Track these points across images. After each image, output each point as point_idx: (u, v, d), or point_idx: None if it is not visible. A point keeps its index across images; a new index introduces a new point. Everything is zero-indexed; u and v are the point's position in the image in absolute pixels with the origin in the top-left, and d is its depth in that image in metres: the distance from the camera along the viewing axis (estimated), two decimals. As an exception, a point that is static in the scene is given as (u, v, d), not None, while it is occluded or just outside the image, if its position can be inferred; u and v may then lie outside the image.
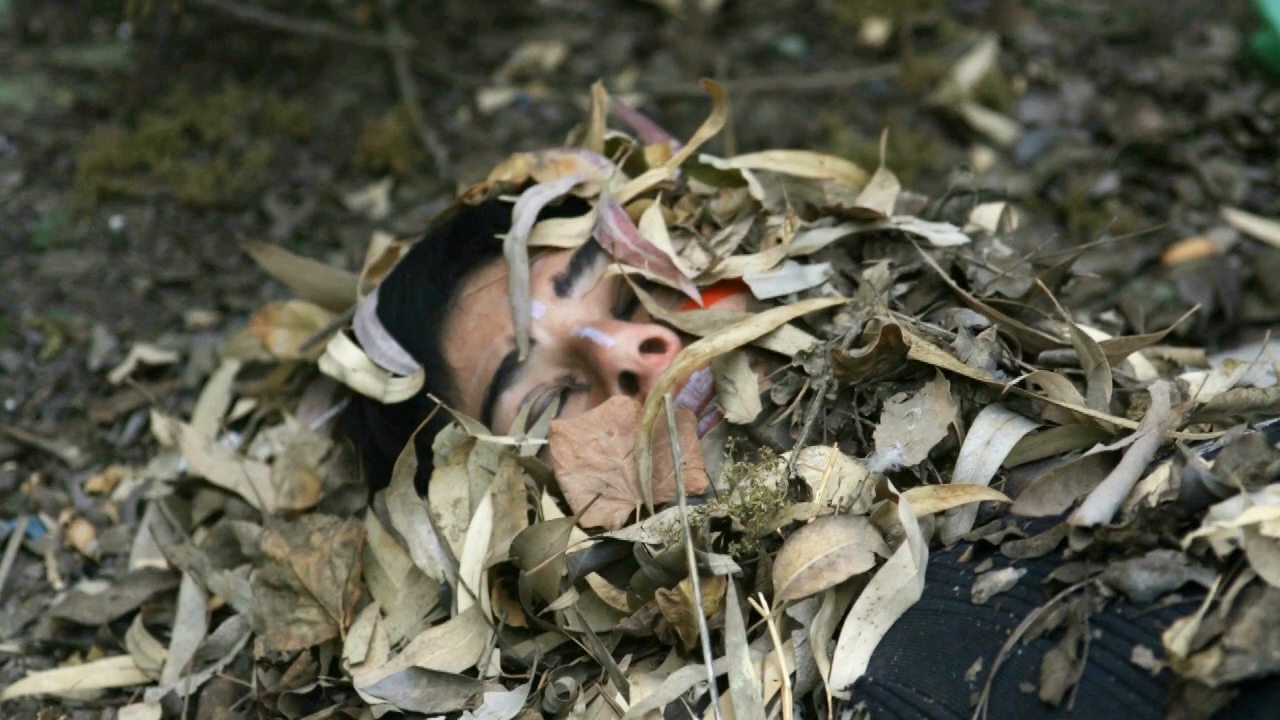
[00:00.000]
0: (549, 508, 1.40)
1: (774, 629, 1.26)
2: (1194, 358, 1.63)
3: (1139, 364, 1.54)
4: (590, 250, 1.52)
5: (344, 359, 1.57)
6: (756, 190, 1.59)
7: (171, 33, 2.65)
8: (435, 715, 1.37)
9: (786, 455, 1.34)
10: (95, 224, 2.28)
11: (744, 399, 1.41)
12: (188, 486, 1.76)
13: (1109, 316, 1.74)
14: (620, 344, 1.44)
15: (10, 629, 1.69)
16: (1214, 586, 1.06)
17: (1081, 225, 2.25)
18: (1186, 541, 1.09)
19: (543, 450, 1.45)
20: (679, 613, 1.28)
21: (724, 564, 1.28)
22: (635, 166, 1.63)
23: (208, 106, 2.46)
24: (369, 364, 1.56)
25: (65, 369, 2.03)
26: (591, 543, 1.36)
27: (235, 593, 1.56)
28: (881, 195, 1.58)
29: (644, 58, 2.67)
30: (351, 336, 1.60)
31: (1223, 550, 1.07)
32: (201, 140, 2.43)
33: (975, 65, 2.54)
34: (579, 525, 1.37)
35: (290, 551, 1.51)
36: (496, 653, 1.40)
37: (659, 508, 1.38)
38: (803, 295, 1.47)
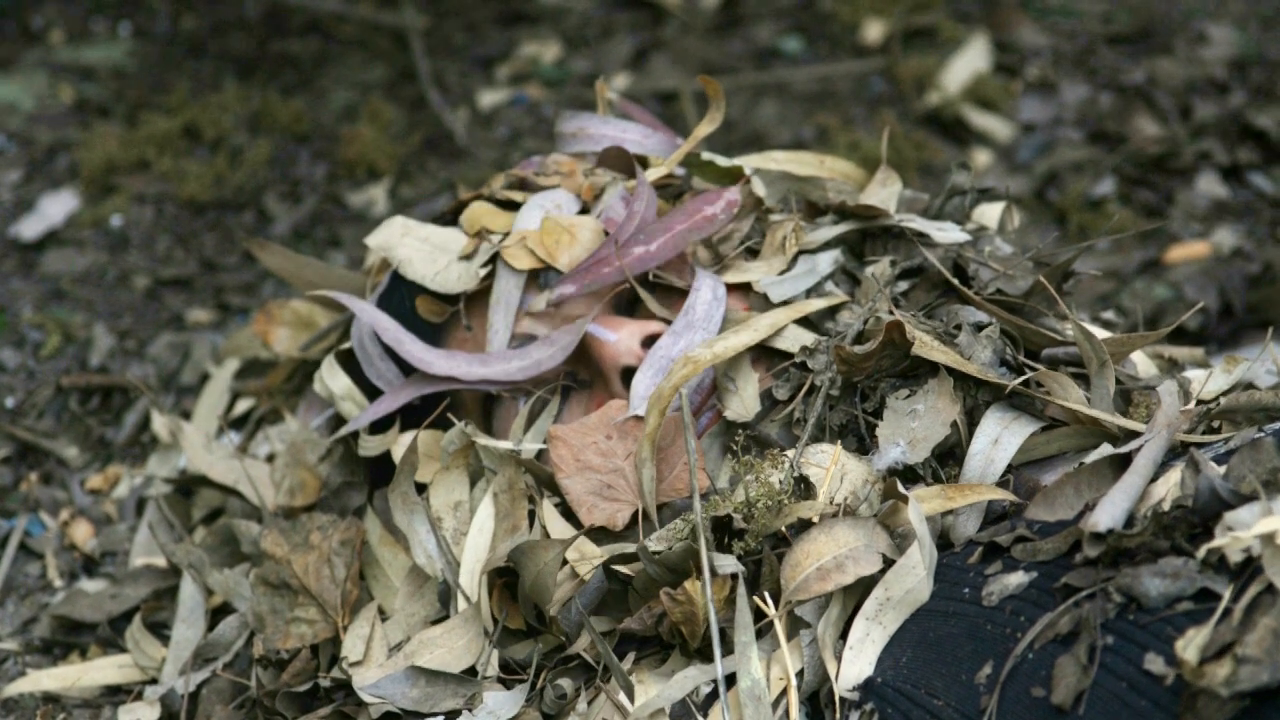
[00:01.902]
0: (549, 510, 1.40)
1: (780, 628, 1.25)
2: (1195, 356, 1.63)
3: (1140, 362, 1.54)
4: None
5: (334, 385, 1.57)
6: (758, 187, 1.59)
7: (172, 31, 2.65)
8: (434, 715, 1.36)
9: (790, 452, 1.33)
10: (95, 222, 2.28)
11: (744, 397, 1.40)
12: (187, 484, 1.76)
13: (1109, 315, 1.74)
14: (623, 339, 1.43)
15: (10, 627, 1.69)
16: (1226, 594, 1.05)
17: (1080, 226, 2.25)
18: (1201, 551, 1.08)
19: (543, 451, 1.44)
20: (684, 612, 1.28)
21: (729, 564, 1.27)
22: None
23: (208, 105, 2.46)
24: (357, 393, 1.56)
25: (65, 367, 2.03)
26: (594, 566, 1.34)
27: (234, 591, 1.55)
28: (884, 193, 1.57)
29: (643, 57, 2.66)
30: (350, 349, 1.59)
31: (1236, 558, 1.06)
32: (201, 138, 2.43)
33: (965, 66, 2.54)
34: (579, 528, 1.37)
35: (289, 550, 1.50)
36: (495, 652, 1.40)
37: (659, 508, 1.37)
38: (812, 291, 1.47)
